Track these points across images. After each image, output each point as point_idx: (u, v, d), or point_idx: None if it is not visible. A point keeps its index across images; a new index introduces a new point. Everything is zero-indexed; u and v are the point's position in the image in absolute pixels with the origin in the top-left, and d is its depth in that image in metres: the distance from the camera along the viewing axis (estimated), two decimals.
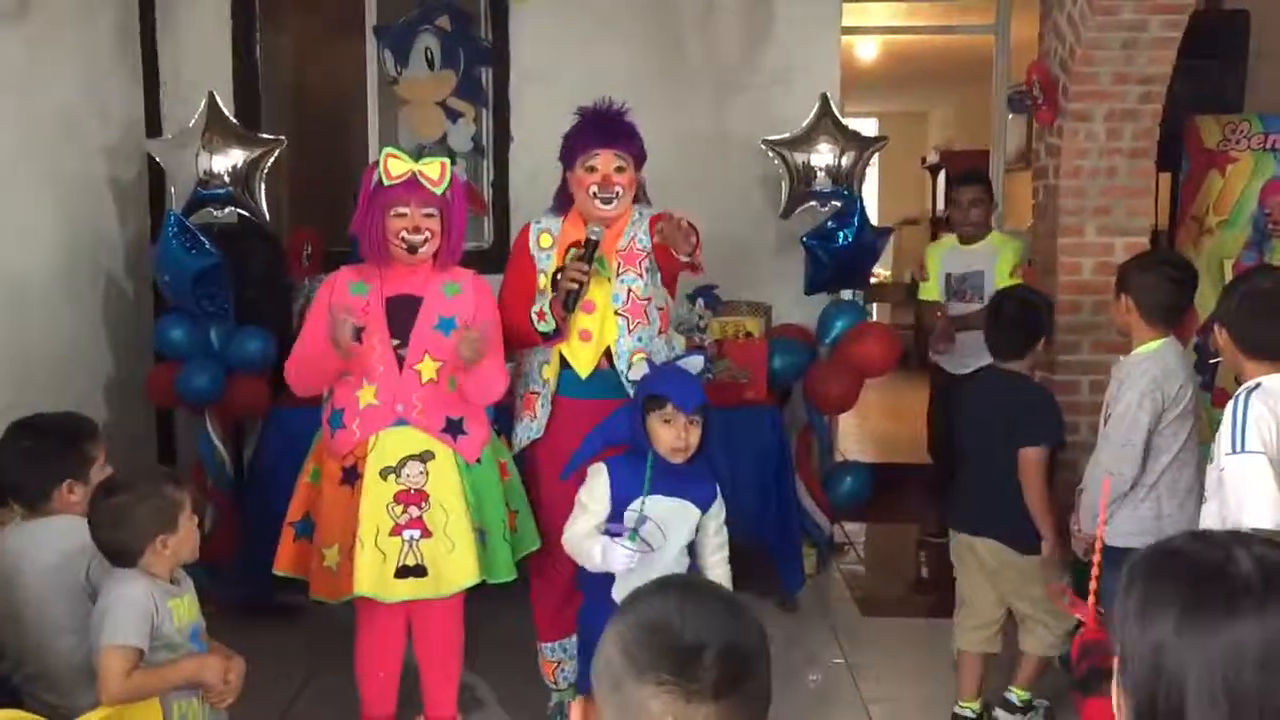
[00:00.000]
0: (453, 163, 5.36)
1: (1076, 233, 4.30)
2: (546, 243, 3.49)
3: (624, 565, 2.93)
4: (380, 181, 3.12)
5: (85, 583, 2.67)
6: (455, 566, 3.16)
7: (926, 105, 12.78)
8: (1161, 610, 1.24)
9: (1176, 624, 1.22)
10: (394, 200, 3.11)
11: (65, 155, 4.68)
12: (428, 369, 3.18)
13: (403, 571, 3.12)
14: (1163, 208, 5.39)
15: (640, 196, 3.56)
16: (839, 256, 4.80)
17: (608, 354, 3.41)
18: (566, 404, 3.42)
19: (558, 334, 3.35)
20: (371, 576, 3.12)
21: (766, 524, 4.62)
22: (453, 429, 3.20)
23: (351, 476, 3.17)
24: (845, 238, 4.68)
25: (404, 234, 3.13)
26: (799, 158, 5.11)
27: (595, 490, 3.08)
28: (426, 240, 3.15)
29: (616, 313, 3.40)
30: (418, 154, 5.43)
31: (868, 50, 9.21)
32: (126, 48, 5.22)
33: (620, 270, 3.42)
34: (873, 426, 8.48)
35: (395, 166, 3.12)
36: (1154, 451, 3.16)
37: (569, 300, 3.30)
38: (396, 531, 3.12)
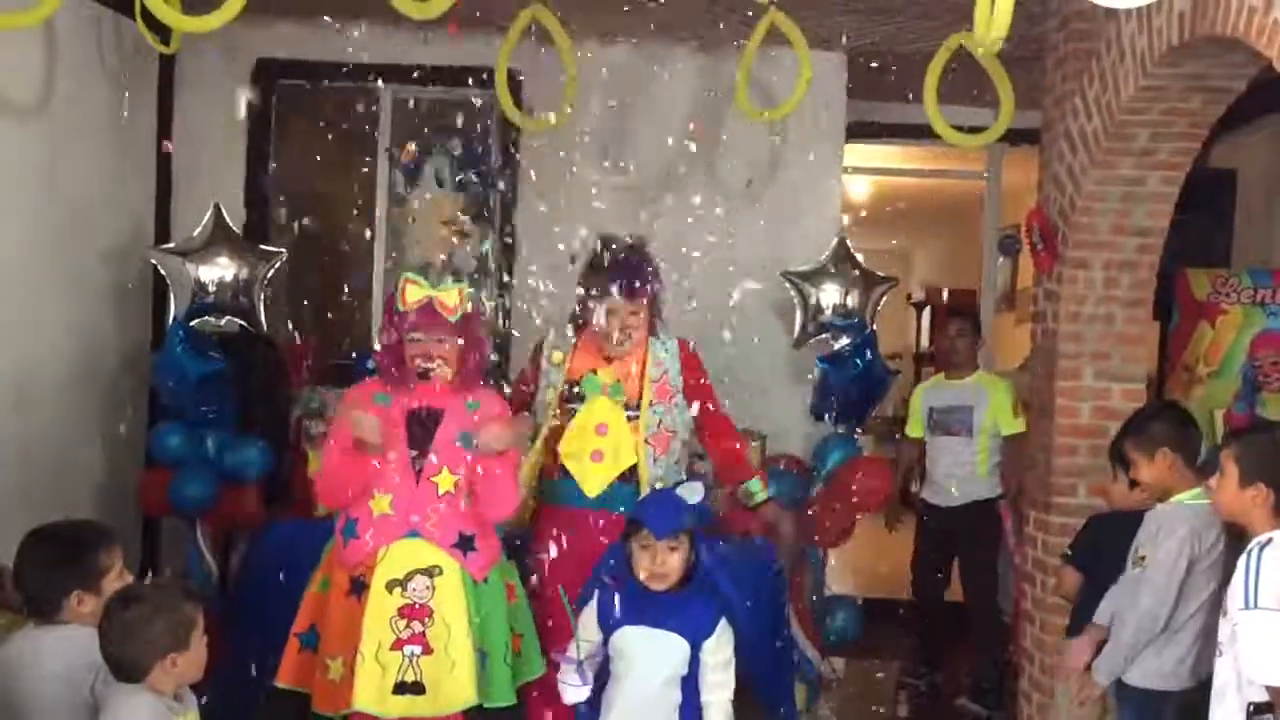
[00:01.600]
0: (457, 281, 5.58)
1: (1074, 376, 4.36)
2: (557, 359, 3.70)
3: (570, 698, 3.02)
4: (396, 307, 3.19)
5: (89, 697, 2.60)
6: (454, 686, 3.13)
7: (910, 244, 13.04)
8: None
9: None
10: (409, 326, 3.19)
11: (75, 254, 4.73)
12: (445, 481, 3.21)
13: (400, 688, 3.10)
14: (1152, 355, 5.50)
15: (655, 323, 3.75)
16: (849, 384, 4.87)
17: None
18: (561, 514, 3.58)
19: None
20: (370, 691, 3.08)
21: (761, 658, 4.55)
22: (464, 544, 3.21)
23: (359, 588, 3.17)
24: (857, 365, 4.76)
25: (418, 359, 3.20)
26: (812, 291, 5.21)
27: (586, 620, 3.09)
28: (440, 366, 3.21)
29: (646, 440, 3.58)
30: (425, 272, 5.53)
31: (858, 189, 9.44)
32: (143, 152, 5.29)
33: (653, 402, 3.63)
34: (855, 560, 8.43)
35: (412, 293, 3.19)
36: (1183, 598, 3.23)
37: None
38: (398, 646, 3.11)
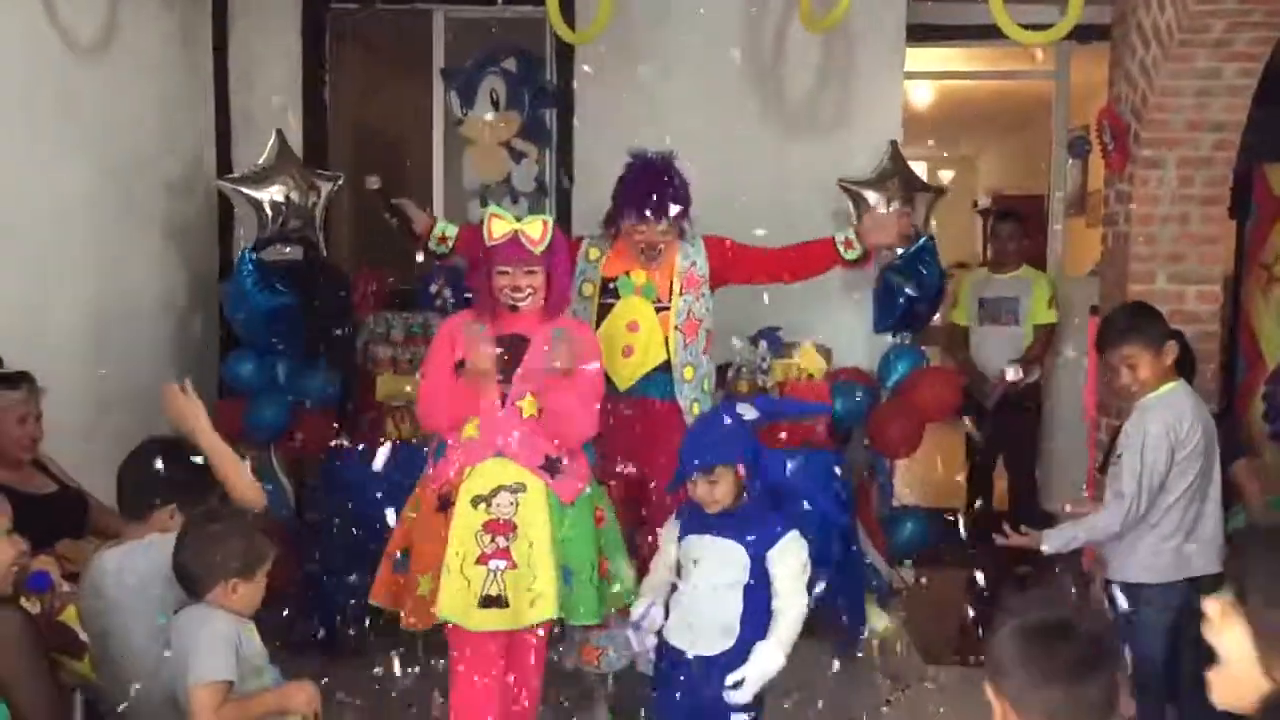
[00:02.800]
0: (514, 202, 5.58)
1: (1147, 280, 4.27)
2: (594, 255, 3.95)
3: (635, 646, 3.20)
4: (483, 240, 3.27)
5: (162, 607, 2.67)
6: (535, 601, 3.18)
7: (976, 150, 12.76)
8: None
9: None
10: (498, 259, 3.26)
11: (139, 191, 4.77)
12: (529, 406, 3.27)
13: (486, 601, 3.15)
14: (1229, 255, 5.35)
15: (686, 230, 3.94)
16: (915, 296, 4.81)
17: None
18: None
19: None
20: (456, 603, 3.15)
21: (829, 568, 4.58)
22: (550, 467, 3.28)
23: (446, 504, 3.25)
24: (922, 274, 4.70)
25: (507, 291, 3.27)
26: (872, 198, 5.14)
27: (667, 532, 3.20)
28: (529, 296, 3.29)
29: (676, 328, 3.86)
30: (483, 197, 5.54)
31: (921, 95, 9.21)
32: (201, 88, 5.32)
33: (682, 290, 3.85)
34: (922, 471, 8.40)
35: (498, 227, 3.26)
36: (1164, 489, 3.34)
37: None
38: (483, 560, 3.17)
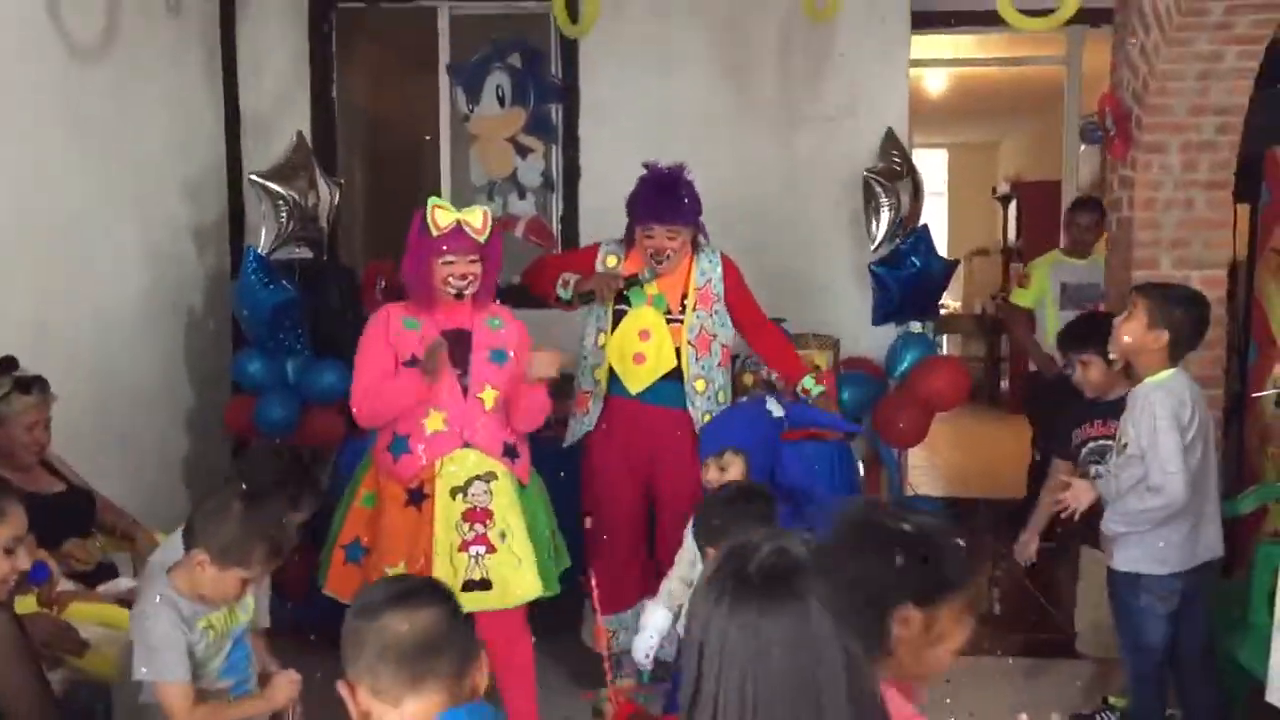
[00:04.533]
0: (521, 197, 5.61)
1: (1151, 265, 4.23)
2: (611, 263, 4.11)
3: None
4: (429, 231, 3.31)
5: None
6: (520, 580, 3.36)
7: (997, 136, 12.67)
8: None
9: None
10: (442, 249, 3.32)
11: (149, 193, 4.83)
12: (489, 397, 3.40)
13: (468, 585, 3.29)
14: (1241, 239, 5.29)
15: (699, 239, 4.10)
16: (906, 285, 4.79)
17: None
18: (618, 403, 4.00)
19: (565, 304, 4.09)
20: None
21: None
22: (509, 453, 3.44)
23: (418, 498, 3.36)
24: (913, 265, 4.68)
25: (451, 279, 3.34)
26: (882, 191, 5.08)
27: (687, 534, 3.24)
28: (470, 283, 3.37)
29: (689, 342, 4.01)
30: (490, 191, 5.58)
31: (937, 82, 9.17)
32: (210, 89, 5.37)
33: (695, 306, 4.02)
34: (943, 460, 8.39)
35: (442, 217, 3.33)
36: None
37: (585, 298, 4.01)
38: (464, 548, 3.33)
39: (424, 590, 1.81)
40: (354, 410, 3.45)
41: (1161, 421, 3.25)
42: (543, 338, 3.66)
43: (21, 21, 3.92)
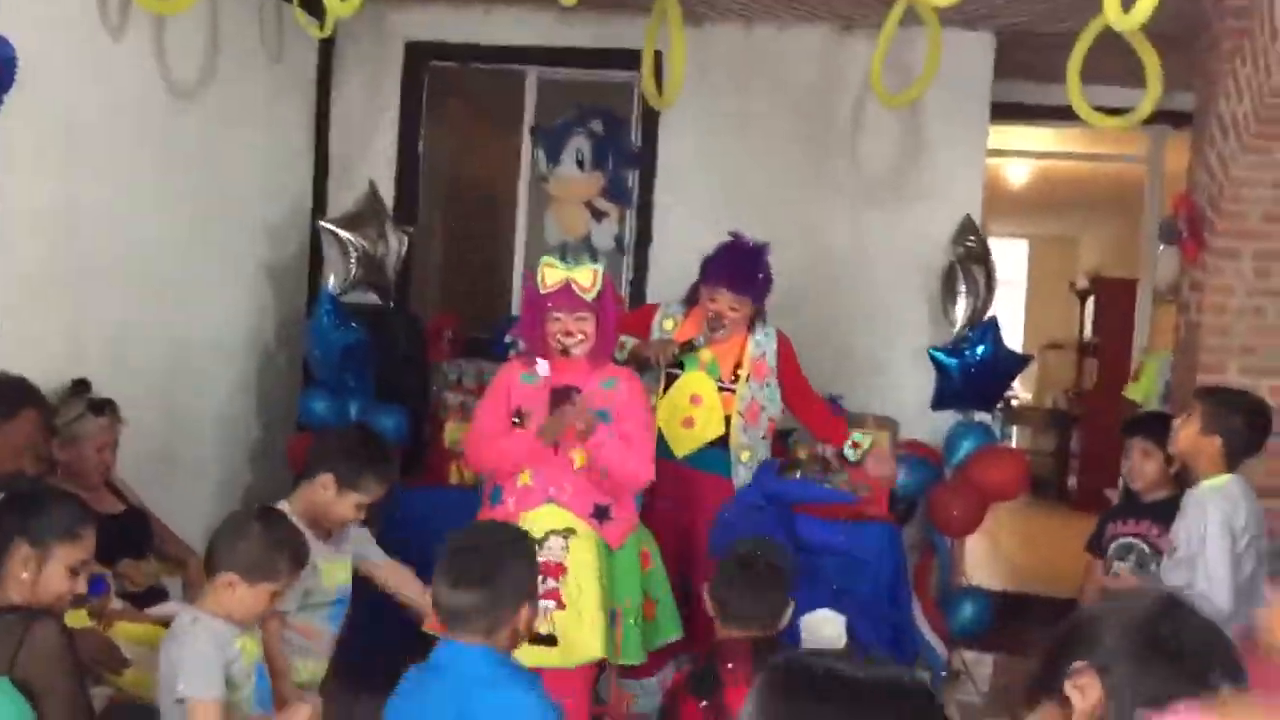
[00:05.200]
0: (594, 259, 5.70)
1: (1218, 370, 4.18)
2: (669, 326, 4.16)
3: None
4: (537, 288, 3.42)
5: None
6: (582, 640, 3.34)
7: (1078, 230, 12.56)
8: None
9: None
10: (550, 306, 3.41)
11: (233, 232, 5.00)
12: (580, 456, 3.44)
13: (535, 639, 3.25)
14: None
15: (758, 316, 4.15)
16: (968, 374, 4.77)
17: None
18: (662, 465, 3.77)
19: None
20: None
21: (880, 644, 4.53)
22: (599, 514, 3.47)
23: None
24: (974, 355, 4.67)
25: (559, 336, 3.42)
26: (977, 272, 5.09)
27: None
28: (580, 342, 3.44)
29: (739, 412, 4.04)
30: (562, 252, 5.69)
31: (1019, 172, 9.16)
32: (302, 135, 5.57)
33: (749, 378, 4.06)
34: (1004, 553, 8.25)
35: (550, 275, 3.42)
36: None
37: (639, 366, 3.95)
38: None
39: None
40: (465, 456, 3.73)
41: (1212, 526, 3.21)
42: None
43: (129, 62, 4.11)
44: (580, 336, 3.42)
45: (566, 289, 3.38)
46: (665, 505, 4.02)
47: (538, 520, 3.38)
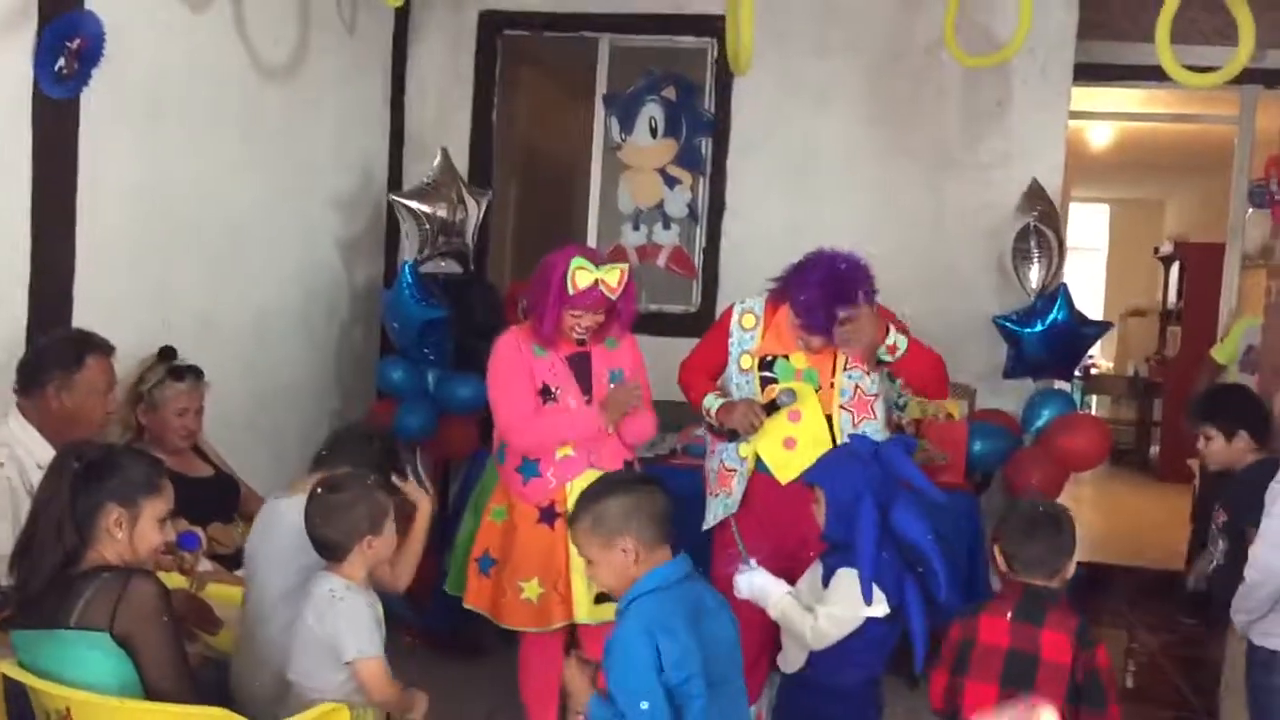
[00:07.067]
0: (666, 228, 5.71)
1: None
2: (749, 324, 3.66)
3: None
4: (567, 288, 3.43)
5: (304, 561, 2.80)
6: None
7: (1163, 194, 12.26)
8: None
9: None
10: (573, 304, 3.47)
11: (313, 203, 5.07)
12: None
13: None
14: None
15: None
16: (1041, 341, 4.69)
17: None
18: (766, 481, 3.57)
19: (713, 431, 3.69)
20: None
21: (953, 609, 4.49)
22: (628, 469, 3.57)
23: (549, 516, 3.52)
24: (1045, 322, 4.59)
25: (577, 328, 3.53)
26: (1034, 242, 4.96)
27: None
28: (592, 330, 3.56)
29: (842, 407, 3.53)
30: (636, 219, 5.70)
31: (1101, 135, 8.95)
32: (379, 107, 5.62)
33: (848, 366, 3.54)
34: (1085, 524, 8.11)
35: (582, 279, 3.44)
36: None
37: (728, 434, 3.59)
38: None
39: None
40: (509, 439, 3.55)
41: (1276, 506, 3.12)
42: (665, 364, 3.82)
43: (210, 35, 4.18)
44: (594, 327, 3.54)
45: (594, 290, 3.44)
46: (771, 526, 3.55)
47: (584, 487, 3.41)
